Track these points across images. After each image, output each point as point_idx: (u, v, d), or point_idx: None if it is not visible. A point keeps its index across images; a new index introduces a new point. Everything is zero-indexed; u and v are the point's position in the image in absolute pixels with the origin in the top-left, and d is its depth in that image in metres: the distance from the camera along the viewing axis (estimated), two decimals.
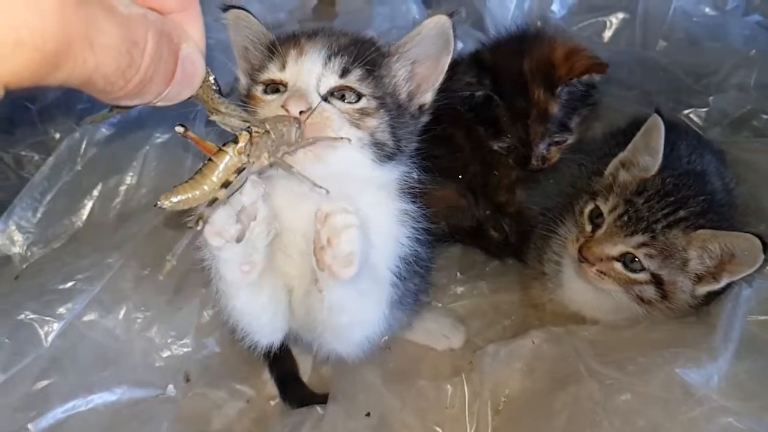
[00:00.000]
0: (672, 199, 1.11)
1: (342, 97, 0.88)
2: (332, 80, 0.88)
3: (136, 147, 1.40)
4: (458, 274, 1.42)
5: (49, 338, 1.16)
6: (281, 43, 0.93)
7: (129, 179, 1.40)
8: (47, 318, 1.17)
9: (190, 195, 0.69)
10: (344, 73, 0.89)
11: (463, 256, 1.46)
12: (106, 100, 0.56)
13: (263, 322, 0.95)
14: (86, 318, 1.21)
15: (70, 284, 1.21)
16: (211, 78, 0.70)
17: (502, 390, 1.14)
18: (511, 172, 1.36)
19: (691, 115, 1.56)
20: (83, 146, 1.40)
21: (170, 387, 1.23)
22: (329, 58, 0.89)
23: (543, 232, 1.29)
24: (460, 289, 1.39)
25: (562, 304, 1.27)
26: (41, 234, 1.35)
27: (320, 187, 0.78)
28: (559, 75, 1.24)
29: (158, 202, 0.69)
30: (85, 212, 1.38)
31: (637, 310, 1.15)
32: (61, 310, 1.19)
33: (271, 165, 0.77)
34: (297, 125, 0.78)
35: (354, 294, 0.86)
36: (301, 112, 0.80)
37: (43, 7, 0.44)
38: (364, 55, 0.91)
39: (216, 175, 0.70)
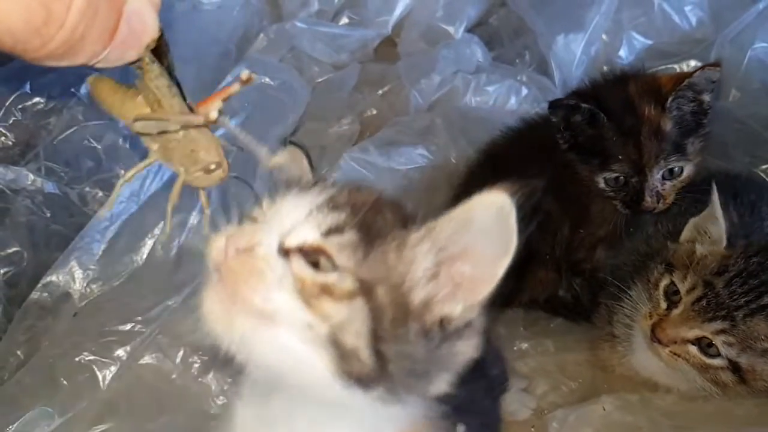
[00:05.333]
0: (756, 282, 1.03)
1: (316, 264, 0.59)
2: (309, 234, 0.60)
3: None
4: (522, 329, 1.36)
5: (107, 381, 1.15)
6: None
7: (192, 218, 1.38)
8: (105, 360, 1.16)
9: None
10: (330, 232, 0.60)
11: (526, 310, 1.41)
12: (28, 60, 0.48)
13: None
14: (143, 361, 1.19)
15: (129, 326, 1.21)
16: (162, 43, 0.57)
17: None
18: (600, 228, 1.30)
19: None
20: (146, 183, 1.41)
21: None
22: (320, 207, 0.62)
23: (613, 292, 1.23)
24: (524, 345, 1.33)
25: (634, 369, 1.20)
26: (101, 271, 1.35)
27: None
28: (666, 89, 1.21)
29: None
30: (146, 250, 1.38)
31: (711, 390, 1.08)
32: (120, 352, 1.18)
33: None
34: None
35: None
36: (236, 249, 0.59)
37: None
38: (373, 219, 0.62)
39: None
